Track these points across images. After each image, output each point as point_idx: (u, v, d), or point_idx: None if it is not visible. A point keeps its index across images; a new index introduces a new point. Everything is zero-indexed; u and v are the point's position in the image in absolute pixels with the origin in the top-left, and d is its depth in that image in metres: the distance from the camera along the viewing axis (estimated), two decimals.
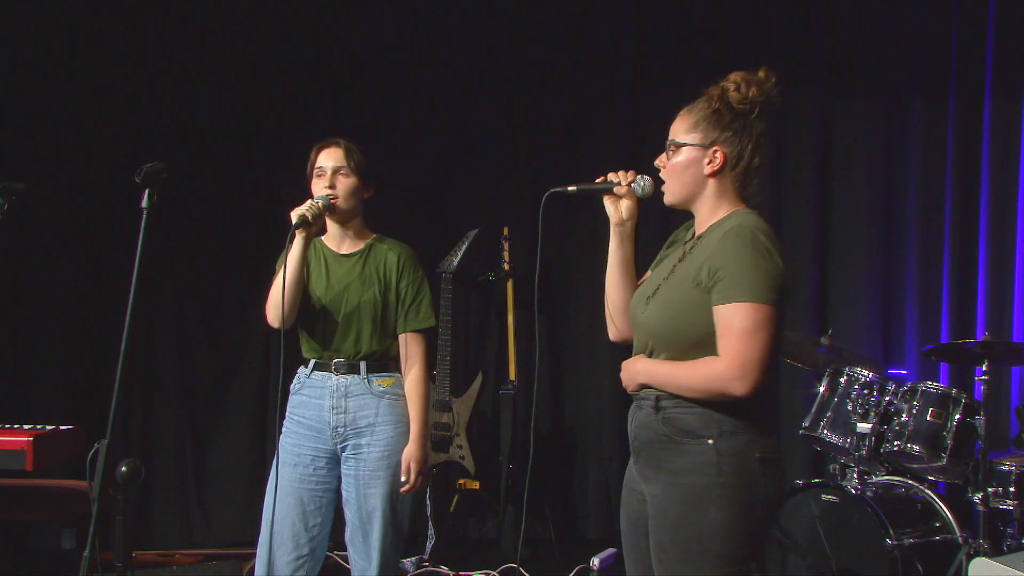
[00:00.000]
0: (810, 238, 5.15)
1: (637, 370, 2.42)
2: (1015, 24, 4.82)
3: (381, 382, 3.18)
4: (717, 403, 2.29)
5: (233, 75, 5.28)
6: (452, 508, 5.09)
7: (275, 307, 3.06)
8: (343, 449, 3.17)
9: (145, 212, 2.47)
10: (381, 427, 3.15)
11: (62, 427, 3.71)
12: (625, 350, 2.54)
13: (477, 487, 5.01)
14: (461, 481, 5.04)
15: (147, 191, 2.48)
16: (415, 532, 5.04)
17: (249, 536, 3.08)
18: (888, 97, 5.09)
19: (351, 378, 3.16)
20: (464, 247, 5.01)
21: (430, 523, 4.99)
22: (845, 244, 5.16)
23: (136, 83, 5.20)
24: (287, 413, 3.23)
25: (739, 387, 2.23)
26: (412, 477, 3.15)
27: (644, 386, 2.41)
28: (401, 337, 3.23)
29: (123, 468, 2.41)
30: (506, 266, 5.23)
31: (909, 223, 5.05)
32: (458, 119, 5.49)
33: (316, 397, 3.18)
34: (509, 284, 5.25)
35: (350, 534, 3.19)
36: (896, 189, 5.08)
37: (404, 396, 3.21)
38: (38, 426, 3.65)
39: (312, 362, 3.20)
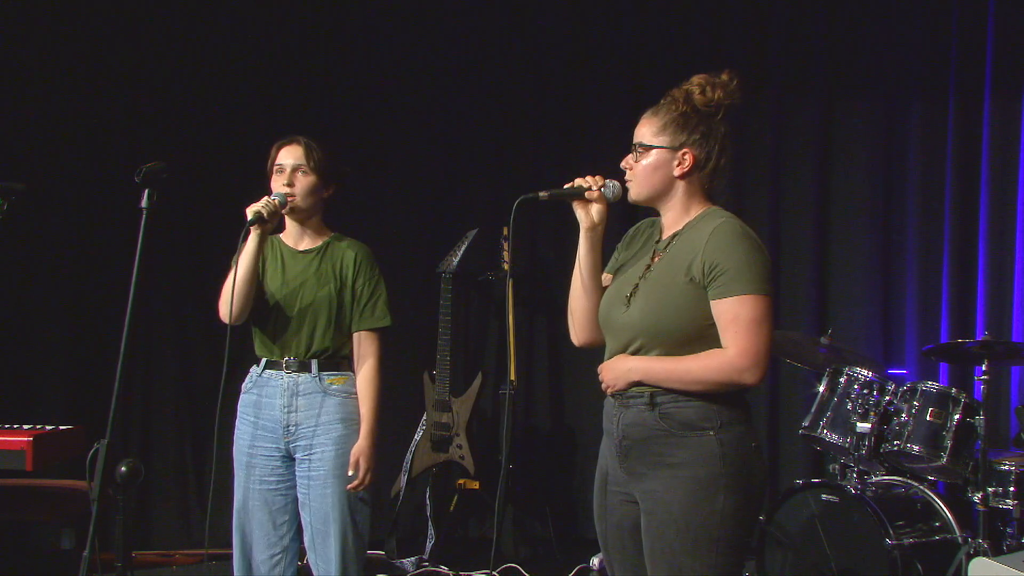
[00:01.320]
0: (810, 238, 5.14)
1: (629, 368, 2.42)
2: (1015, 24, 4.82)
3: (333, 380, 3.16)
4: (714, 396, 2.34)
5: (233, 75, 5.28)
6: (452, 508, 5.09)
7: (226, 303, 3.05)
8: (295, 449, 3.15)
9: (145, 212, 2.48)
10: (334, 426, 3.14)
11: (62, 427, 3.71)
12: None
13: (477, 487, 5.01)
14: (461, 481, 5.04)
15: (147, 191, 2.49)
16: (415, 532, 5.05)
17: (212, 538, 3.11)
18: (888, 97, 5.08)
19: (302, 376, 3.14)
20: (464, 247, 5.00)
21: (430, 523, 4.99)
22: (845, 244, 5.15)
23: (136, 83, 5.20)
24: (238, 413, 3.21)
25: (751, 376, 2.32)
26: (361, 473, 3.13)
27: (634, 384, 2.41)
28: (355, 336, 3.20)
29: (123, 468, 2.41)
30: (506, 266, 5.22)
31: (909, 223, 5.04)
32: (458, 119, 5.49)
33: (268, 396, 3.16)
34: (509, 284, 5.25)
35: (309, 539, 3.16)
36: (896, 189, 5.08)
37: (356, 395, 3.19)
38: (38, 426, 3.66)
39: (264, 360, 3.19)
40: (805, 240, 5.15)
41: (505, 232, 5.24)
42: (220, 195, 5.25)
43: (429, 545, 4.95)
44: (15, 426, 3.65)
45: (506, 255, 5.23)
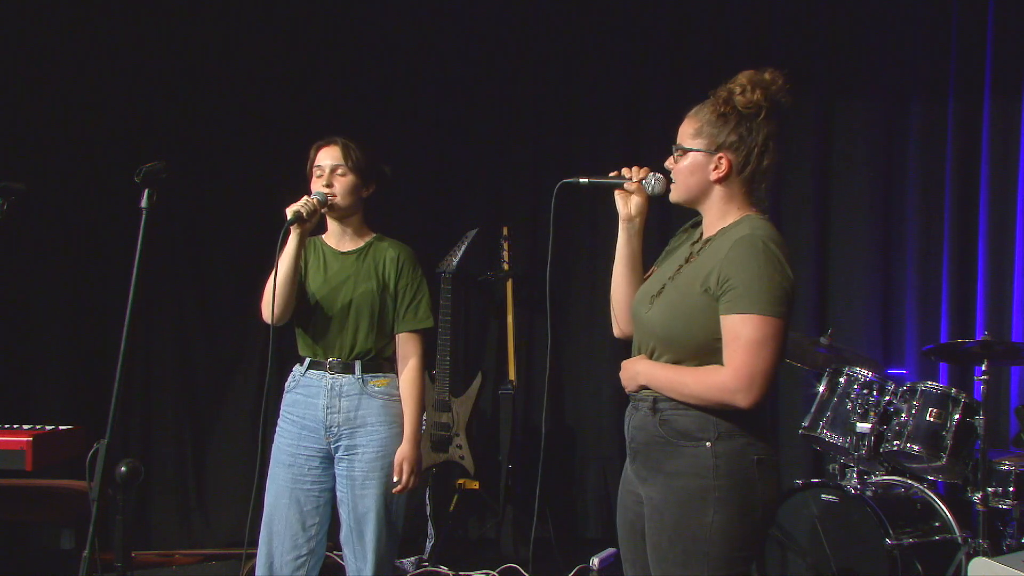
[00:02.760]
0: (810, 238, 5.14)
1: (638, 371, 2.40)
2: (1015, 24, 4.82)
3: (376, 383, 3.17)
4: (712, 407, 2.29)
5: (233, 74, 5.29)
6: (452, 508, 5.09)
7: (268, 303, 3.05)
8: (336, 449, 3.15)
9: (144, 212, 2.48)
10: (375, 428, 3.14)
11: (62, 427, 3.72)
12: (626, 349, 2.53)
13: (477, 487, 5.01)
14: (461, 481, 5.04)
15: (146, 191, 2.49)
16: (415, 532, 5.05)
17: (249, 536, 3.09)
18: (888, 97, 5.08)
19: (345, 378, 3.15)
20: (464, 247, 5.01)
21: (430, 523, 4.99)
22: (845, 244, 5.15)
23: (136, 83, 5.20)
24: (281, 412, 3.22)
25: (743, 399, 2.23)
26: (404, 477, 3.14)
27: (643, 387, 2.40)
28: (398, 337, 3.22)
29: (123, 468, 2.41)
30: (505, 266, 5.23)
31: (909, 223, 5.04)
32: (457, 119, 5.49)
33: (310, 396, 3.16)
34: (509, 284, 5.25)
35: (345, 534, 3.18)
36: (896, 189, 5.08)
37: (399, 397, 3.19)
38: (38, 426, 3.66)
39: (307, 360, 3.19)
40: (805, 240, 5.14)
41: (505, 232, 5.25)
42: (220, 195, 5.27)
43: (429, 545, 4.96)
44: (15, 426, 3.65)
45: (506, 255, 5.23)
